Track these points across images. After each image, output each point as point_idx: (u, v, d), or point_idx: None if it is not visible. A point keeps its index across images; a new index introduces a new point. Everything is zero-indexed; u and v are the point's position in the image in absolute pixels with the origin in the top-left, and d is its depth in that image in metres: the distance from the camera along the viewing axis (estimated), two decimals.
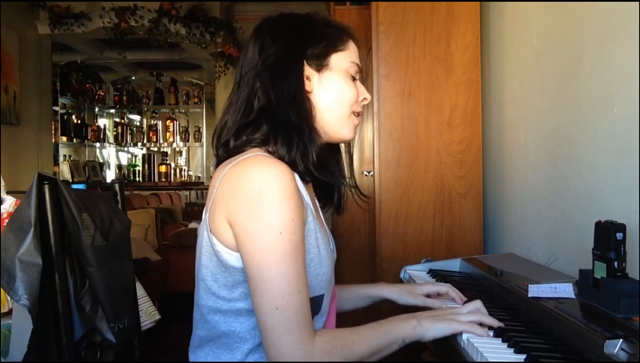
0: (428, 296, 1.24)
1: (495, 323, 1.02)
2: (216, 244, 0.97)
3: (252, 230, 0.91)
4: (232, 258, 0.96)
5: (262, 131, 1.02)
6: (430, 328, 1.00)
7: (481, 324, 1.03)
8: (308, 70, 1.05)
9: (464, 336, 1.00)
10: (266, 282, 0.89)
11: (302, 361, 0.88)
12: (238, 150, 1.02)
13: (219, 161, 1.06)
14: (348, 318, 1.20)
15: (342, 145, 1.17)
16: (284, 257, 0.90)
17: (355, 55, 1.09)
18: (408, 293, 1.24)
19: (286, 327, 0.88)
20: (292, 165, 0.99)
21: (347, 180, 1.16)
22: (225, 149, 1.04)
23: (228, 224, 0.94)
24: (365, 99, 1.10)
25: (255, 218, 0.90)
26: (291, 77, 1.03)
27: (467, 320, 1.02)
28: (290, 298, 0.89)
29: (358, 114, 1.11)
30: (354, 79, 1.09)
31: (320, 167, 1.03)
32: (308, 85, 1.05)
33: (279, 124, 1.01)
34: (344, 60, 1.07)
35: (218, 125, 1.08)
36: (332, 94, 1.06)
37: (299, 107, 1.02)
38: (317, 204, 1.12)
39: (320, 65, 1.05)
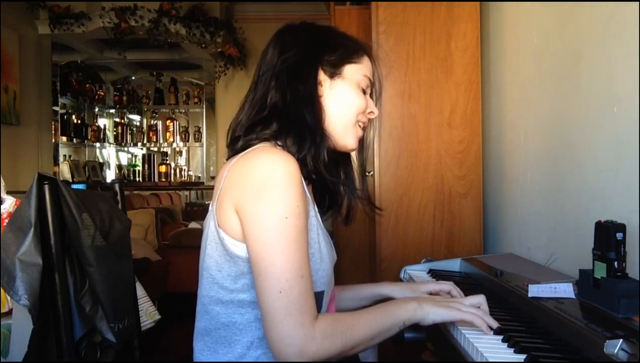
0: (430, 294, 1.25)
1: (494, 324, 1.03)
2: (223, 237, 0.98)
3: (258, 215, 0.93)
4: (238, 249, 0.97)
5: (272, 128, 1.06)
6: (430, 311, 1.01)
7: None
8: (321, 75, 1.09)
9: (464, 331, 1.01)
10: (271, 265, 0.91)
11: (302, 344, 0.89)
12: (246, 144, 1.05)
13: (227, 158, 1.09)
14: None
15: (354, 158, 1.19)
16: (289, 241, 0.92)
17: (368, 70, 1.13)
18: (411, 292, 1.25)
19: (288, 310, 0.90)
20: (301, 164, 1.01)
21: (359, 192, 1.18)
22: (233, 147, 1.08)
23: (235, 212, 0.96)
24: (372, 112, 1.14)
25: (261, 203, 0.93)
26: (308, 80, 1.07)
27: (468, 310, 1.02)
28: (294, 282, 0.91)
29: (363, 126, 1.14)
30: (364, 92, 1.12)
31: (329, 168, 1.06)
32: (319, 90, 1.08)
33: (293, 123, 1.04)
34: (357, 72, 1.11)
35: (233, 121, 1.12)
36: (341, 101, 1.09)
37: (314, 108, 1.06)
38: (315, 205, 1.13)
39: (333, 72, 1.09)
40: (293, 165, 0.96)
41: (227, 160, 1.09)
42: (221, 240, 0.99)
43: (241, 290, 0.99)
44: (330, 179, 1.07)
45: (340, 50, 1.10)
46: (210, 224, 1.02)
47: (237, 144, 1.07)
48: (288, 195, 0.93)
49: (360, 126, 1.13)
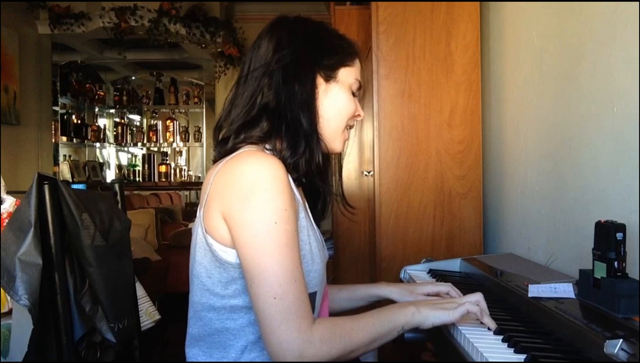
0: (429, 295, 1.24)
1: (492, 324, 1.03)
2: (212, 243, 0.97)
3: (246, 221, 0.92)
4: (227, 255, 0.97)
5: (262, 128, 1.04)
6: (429, 315, 1.00)
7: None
8: (317, 79, 1.07)
9: (464, 331, 1.01)
10: (263, 271, 0.91)
11: (301, 348, 0.89)
12: (234, 147, 1.03)
13: (214, 160, 1.07)
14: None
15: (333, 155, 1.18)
16: (280, 246, 0.91)
17: (359, 73, 1.12)
18: (409, 293, 1.25)
19: (284, 315, 0.89)
20: (294, 168, 1.01)
21: (334, 189, 1.17)
22: (222, 148, 1.05)
23: (222, 219, 0.95)
24: (359, 115, 1.13)
25: (249, 209, 0.92)
26: (306, 82, 1.04)
27: (464, 305, 1.02)
28: (288, 287, 0.90)
29: (350, 128, 1.13)
30: (353, 94, 1.12)
31: (321, 173, 1.05)
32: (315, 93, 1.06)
33: (288, 125, 1.02)
34: (350, 75, 1.10)
35: (222, 114, 1.09)
36: (335, 105, 1.08)
37: (311, 112, 1.04)
38: (307, 205, 1.13)
39: (329, 76, 1.08)
40: (280, 169, 0.95)
41: (214, 162, 1.07)
42: (210, 246, 0.98)
43: (232, 295, 0.98)
44: (321, 184, 1.06)
45: (338, 53, 1.09)
46: (198, 231, 1.01)
47: (227, 145, 1.04)
48: (276, 200, 0.92)
49: (347, 129, 1.12)
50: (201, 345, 1.02)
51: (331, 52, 1.08)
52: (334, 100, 1.07)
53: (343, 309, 1.27)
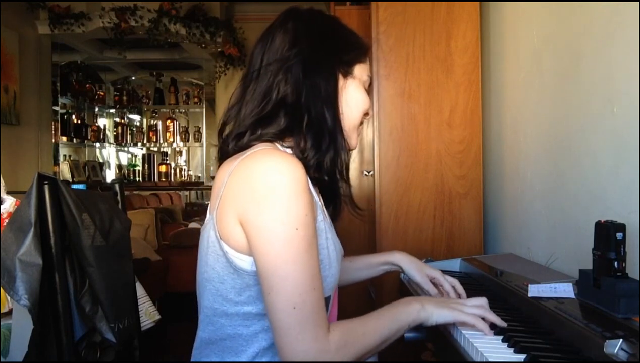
0: (432, 283, 1.26)
1: (498, 320, 1.02)
2: (227, 251, 0.93)
3: (265, 227, 0.87)
4: (243, 263, 0.93)
5: (278, 125, 0.99)
6: (434, 312, 1.00)
7: (483, 319, 1.02)
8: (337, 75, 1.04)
9: (464, 331, 1.01)
10: (283, 280, 0.86)
11: (318, 357, 0.87)
12: (248, 144, 0.99)
13: (225, 155, 1.03)
14: (351, 298, 1.20)
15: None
16: (300, 253, 0.87)
17: (370, 69, 1.11)
18: (416, 268, 1.26)
19: (302, 325, 0.86)
20: (318, 167, 0.98)
21: (343, 189, 1.13)
22: (238, 143, 1.00)
23: (238, 223, 0.91)
24: (368, 113, 1.11)
25: (268, 215, 0.87)
26: (330, 76, 1.01)
27: (471, 312, 1.01)
28: (307, 296, 0.87)
29: (361, 124, 1.12)
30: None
31: (344, 172, 1.03)
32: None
33: (311, 122, 0.98)
34: (364, 72, 1.08)
35: (228, 111, 1.04)
36: (352, 101, 1.05)
37: (334, 108, 1.01)
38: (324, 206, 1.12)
39: (347, 72, 1.05)
40: (299, 171, 0.90)
41: (225, 158, 1.02)
42: (224, 253, 0.94)
43: (246, 302, 0.95)
44: (344, 183, 1.03)
45: (355, 49, 1.06)
46: (210, 234, 0.96)
47: (242, 139, 0.99)
48: (296, 205, 0.87)
49: (360, 126, 1.10)
50: (212, 349, 0.99)
51: (349, 47, 1.06)
52: (351, 96, 1.05)
53: (357, 279, 1.28)
